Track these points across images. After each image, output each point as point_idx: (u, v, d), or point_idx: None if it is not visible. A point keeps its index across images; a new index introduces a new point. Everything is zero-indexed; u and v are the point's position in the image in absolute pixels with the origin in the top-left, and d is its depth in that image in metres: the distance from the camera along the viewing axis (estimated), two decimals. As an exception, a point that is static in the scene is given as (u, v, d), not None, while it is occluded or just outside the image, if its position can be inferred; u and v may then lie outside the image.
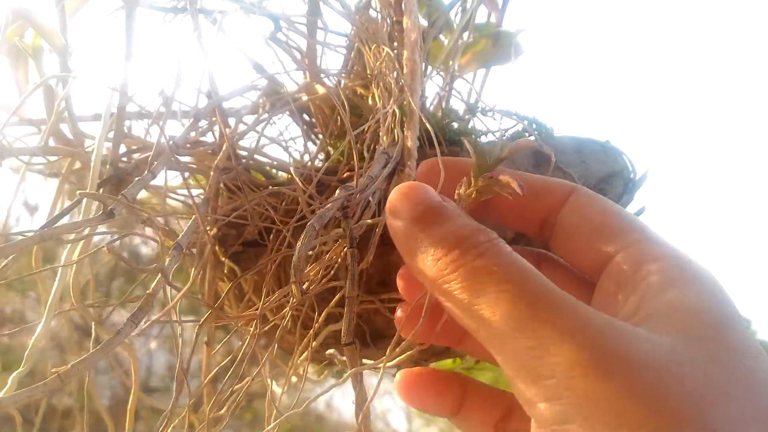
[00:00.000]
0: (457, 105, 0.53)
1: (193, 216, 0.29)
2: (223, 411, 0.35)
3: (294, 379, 0.40)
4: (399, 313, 0.29)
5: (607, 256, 0.24)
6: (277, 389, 0.42)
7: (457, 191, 0.27)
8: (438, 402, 0.29)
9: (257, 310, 0.28)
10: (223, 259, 0.41)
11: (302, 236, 0.24)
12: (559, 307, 0.19)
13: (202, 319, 0.29)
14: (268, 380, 0.34)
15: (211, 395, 0.47)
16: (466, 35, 0.58)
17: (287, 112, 0.46)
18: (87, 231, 0.25)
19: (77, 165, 0.39)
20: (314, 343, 0.38)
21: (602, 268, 0.24)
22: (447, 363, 0.62)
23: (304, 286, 0.29)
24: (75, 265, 0.27)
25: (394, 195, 0.25)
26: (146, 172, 0.27)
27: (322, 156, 0.45)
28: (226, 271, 0.43)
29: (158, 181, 0.38)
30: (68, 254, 0.28)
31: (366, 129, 0.39)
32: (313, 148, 0.49)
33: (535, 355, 0.18)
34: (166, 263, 0.23)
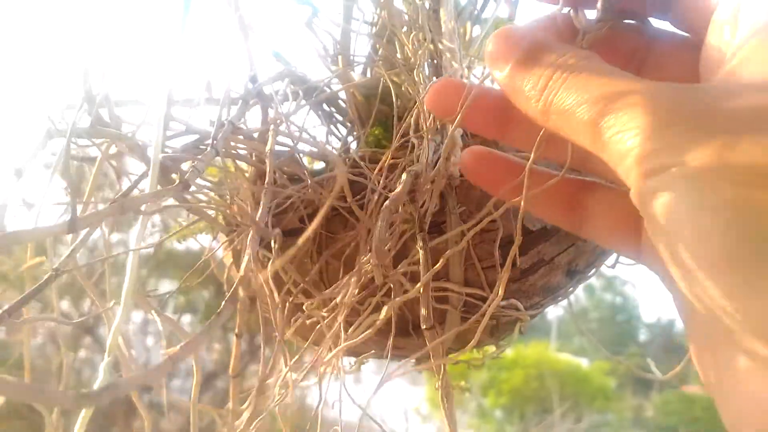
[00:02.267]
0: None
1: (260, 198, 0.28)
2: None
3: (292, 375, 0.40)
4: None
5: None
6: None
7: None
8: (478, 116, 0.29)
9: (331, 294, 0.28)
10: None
11: (380, 219, 0.24)
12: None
13: (289, 298, 0.28)
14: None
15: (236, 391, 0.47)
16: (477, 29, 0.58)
17: (319, 102, 0.45)
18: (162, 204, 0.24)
19: (113, 149, 0.39)
20: (357, 333, 0.38)
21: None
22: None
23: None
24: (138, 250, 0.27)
25: (493, 43, 0.25)
26: (209, 148, 0.27)
27: (357, 143, 0.45)
28: (261, 259, 0.42)
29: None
30: (138, 234, 0.27)
31: (403, 118, 0.38)
32: (336, 140, 0.49)
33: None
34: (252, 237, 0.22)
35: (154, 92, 0.33)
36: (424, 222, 0.26)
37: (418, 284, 0.30)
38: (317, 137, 0.43)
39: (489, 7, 0.58)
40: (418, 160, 0.35)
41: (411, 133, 0.39)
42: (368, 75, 0.47)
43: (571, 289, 0.43)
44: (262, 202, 0.27)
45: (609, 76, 0.21)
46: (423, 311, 0.23)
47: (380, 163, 0.37)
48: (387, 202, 0.25)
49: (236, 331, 0.45)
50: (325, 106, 0.46)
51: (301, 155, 0.39)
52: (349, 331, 0.36)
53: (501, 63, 0.24)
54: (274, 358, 0.53)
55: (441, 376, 0.22)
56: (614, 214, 0.28)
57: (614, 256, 0.45)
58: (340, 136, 0.48)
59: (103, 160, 0.35)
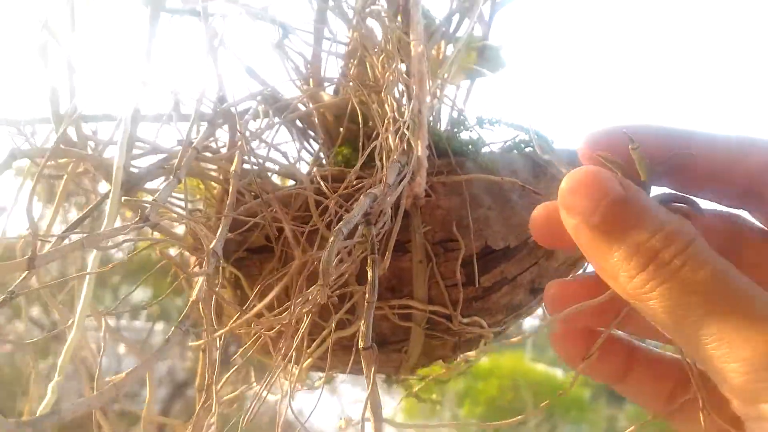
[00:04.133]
0: (445, 115, 0.54)
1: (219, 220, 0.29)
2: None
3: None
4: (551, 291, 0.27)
5: None
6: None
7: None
8: (604, 367, 0.27)
9: (278, 313, 0.28)
10: (225, 265, 0.41)
11: (330, 241, 0.24)
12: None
13: (227, 328, 0.29)
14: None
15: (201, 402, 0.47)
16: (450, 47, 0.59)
17: (291, 120, 0.46)
18: (121, 238, 0.24)
19: (81, 168, 0.39)
20: (320, 350, 0.38)
21: None
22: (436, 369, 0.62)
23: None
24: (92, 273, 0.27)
25: (568, 186, 0.22)
26: (172, 176, 0.27)
27: (326, 163, 0.46)
28: (227, 277, 0.43)
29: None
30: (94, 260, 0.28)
31: (372, 138, 0.39)
32: (308, 156, 0.50)
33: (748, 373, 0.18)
34: (205, 268, 0.23)
35: (121, 110, 0.33)
36: (376, 244, 0.27)
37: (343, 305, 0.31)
38: (288, 154, 0.44)
39: (463, 25, 0.59)
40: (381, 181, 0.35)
41: (377, 153, 0.40)
42: (339, 95, 0.47)
43: (534, 306, 0.44)
44: (221, 225, 0.27)
45: (720, 280, 0.19)
46: (362, 329, 0.24)
47: (344, 183, 0.38)
48: (339, 224, 0.25)
49: (202, 346, 0.45)
50: (298, 122, 0.47)
51: (270, 173, 0.39)
52: (311, 348, 0.36)
53: (581, 215, 0.21)
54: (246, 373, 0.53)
55: (370, 391, 0.22)
56: (652, 374, 0.27)
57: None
58: (312, 152, 0.48)
59: (69, 180, 0.35)
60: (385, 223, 0.31)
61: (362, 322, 0.25)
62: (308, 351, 0.36)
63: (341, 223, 0.26)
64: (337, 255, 0.29)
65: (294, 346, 0.31)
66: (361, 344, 0.25)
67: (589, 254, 0.22)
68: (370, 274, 0.27)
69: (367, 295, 0.26)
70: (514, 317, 0.43)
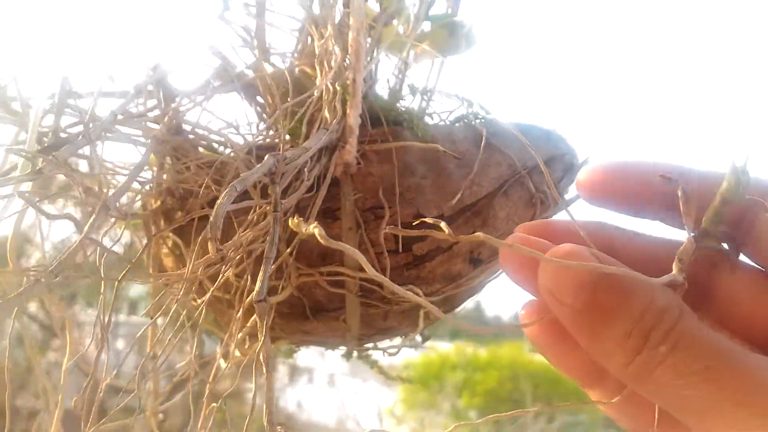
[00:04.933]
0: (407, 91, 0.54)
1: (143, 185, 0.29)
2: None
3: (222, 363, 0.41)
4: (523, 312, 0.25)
5: None
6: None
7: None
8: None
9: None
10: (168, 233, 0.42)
11: (221, 196, 0.25)
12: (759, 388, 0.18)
13: (120, 276, 0.30)
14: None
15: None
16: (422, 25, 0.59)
17: (237, 91, 0.46)
18: (11, 189, 0.25)
19: (22, 136, 0.40)
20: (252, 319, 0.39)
21: None
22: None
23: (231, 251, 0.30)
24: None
25: (547, 268, 0.21)
26: (82, 137, 0.28)
27: (271, 134, 0.46)
28: (171, 245, 0.43)
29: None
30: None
31: (307, 106, 0.40)
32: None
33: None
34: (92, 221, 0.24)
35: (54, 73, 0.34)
36: (279, 203, 0.27)
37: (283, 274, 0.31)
38: (232, 122, 0.44)
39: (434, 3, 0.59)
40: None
41: (316, 124, 0.41)
42: (285, 66, 0.48)
43: (477, 278, 0.44)
44: (125, 182, 0.28)
45: (718, 354, 0.19)
46: (258, 284, 0.24)
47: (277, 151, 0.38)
48: (235, 181, 0.26)
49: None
50: (243, 94, 0.48)
51: (206, 142, 0.40)
52: (239, 312, 0.37)
53: (564, 300, 0.20)
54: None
55: (261, 343, 0.23)
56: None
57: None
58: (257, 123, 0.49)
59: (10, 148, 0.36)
60: (299, 188, 0.32)
61: (259, 276, 0.26)
62: (237, 316, 0.37)
63: (237, 180, 0.26)
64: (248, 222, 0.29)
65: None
66: (254, 297, 0.25)
67: (578, 336, 0.21)
68: (270, 230, 0.27)
69: (266, 251, 0.27)
70: (453, 287, 0.43)
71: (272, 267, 0.27)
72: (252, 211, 0.33)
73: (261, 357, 0.23)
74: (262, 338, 0.25)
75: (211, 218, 0.24)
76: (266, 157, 0.29)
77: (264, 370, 0.23)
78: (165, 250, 0.44)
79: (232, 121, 0.44)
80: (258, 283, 0.24)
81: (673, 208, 0.22)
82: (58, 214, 0.24)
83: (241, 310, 0.37)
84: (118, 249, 0.37)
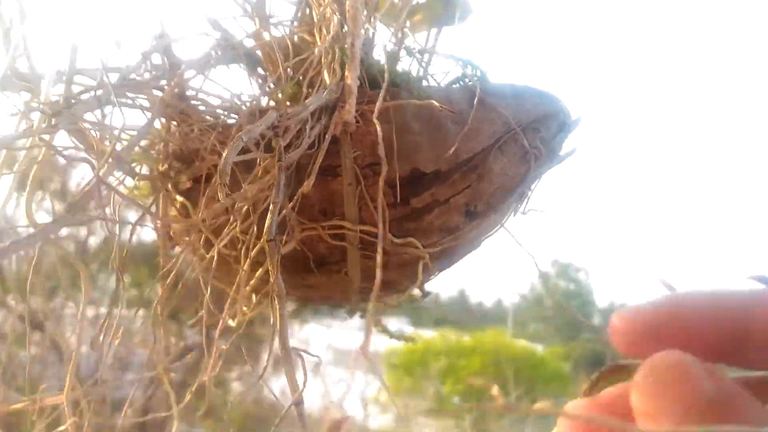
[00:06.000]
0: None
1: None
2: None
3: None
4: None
5: None
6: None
7: None
8: None
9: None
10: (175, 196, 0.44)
11: (228, 146, 0.27)
12: None
13: (138, 217, 0.32)
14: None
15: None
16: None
17: (238, 61, 0.48)
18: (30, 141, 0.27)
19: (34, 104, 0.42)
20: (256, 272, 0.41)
21: None
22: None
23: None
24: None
25: (646, 386, 0.18)
26: (92, 99, 0.30)
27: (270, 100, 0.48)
28: (178, 207, 0.45)
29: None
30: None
31: (306, 67, 0.41)
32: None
33: None
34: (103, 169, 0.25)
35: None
36: (282, 153, 0.29)
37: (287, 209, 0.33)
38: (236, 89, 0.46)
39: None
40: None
41: (316, 87, 0.42)
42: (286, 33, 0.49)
43: (470, 231, 0.46)
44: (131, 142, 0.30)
45: None
46: (267, 223, 0.26)
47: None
48: (240, 132, 0.27)
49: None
50: (245, 62, 0.49)
51: (208, 107, 0.42)
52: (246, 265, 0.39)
53: (666, 421, 0.17)
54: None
55: (274, 278, 0.25)
56: None
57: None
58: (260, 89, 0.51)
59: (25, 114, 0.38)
60: (300, 144, 0.33)
61: (268, 218, 0.28)
62: (244, 268, 0.39)
63: (243, 131, 0.28)
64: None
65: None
66: (264, 236, 0.27)
67: None
68: (275, 178, 0.29)
69: (272, 197, 0.28)
70: (450, 240, 0.45)
71: (277, 218, 0.29)
72: (257, 165, 0.35)
73: (273, 291, 0.25)
74: (274, 275, 0.27)
75: (219, 165, 0.26)
76: (269, 111, 0.30)
77: (276, 303, 0.25)
78: (173, 212, 0.46)
79: (234, 92, 0.46)
80: (267, 222, 0.26)
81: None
82: (75, 156, 0.26)
83: (247, 263, 0.39)
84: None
